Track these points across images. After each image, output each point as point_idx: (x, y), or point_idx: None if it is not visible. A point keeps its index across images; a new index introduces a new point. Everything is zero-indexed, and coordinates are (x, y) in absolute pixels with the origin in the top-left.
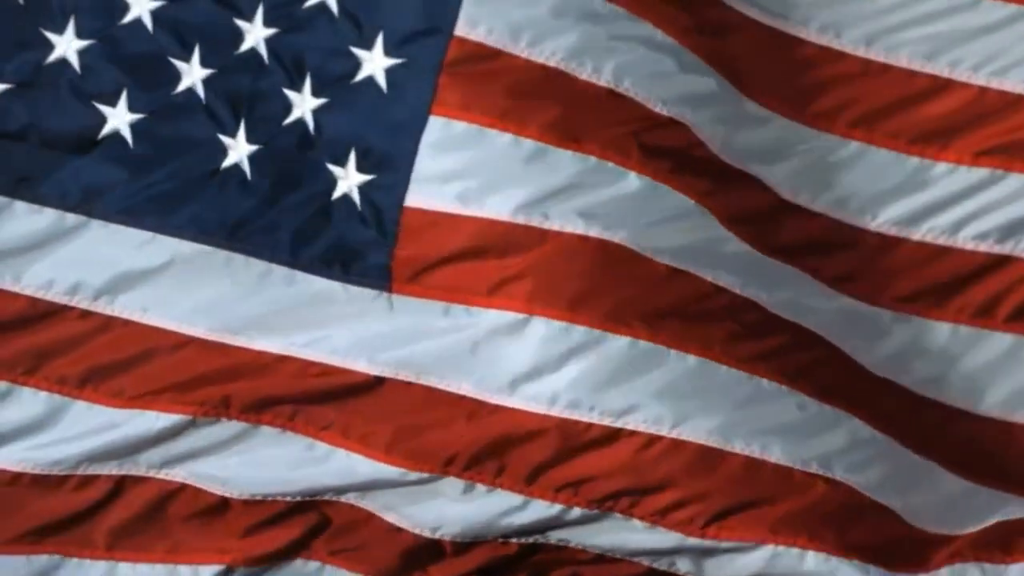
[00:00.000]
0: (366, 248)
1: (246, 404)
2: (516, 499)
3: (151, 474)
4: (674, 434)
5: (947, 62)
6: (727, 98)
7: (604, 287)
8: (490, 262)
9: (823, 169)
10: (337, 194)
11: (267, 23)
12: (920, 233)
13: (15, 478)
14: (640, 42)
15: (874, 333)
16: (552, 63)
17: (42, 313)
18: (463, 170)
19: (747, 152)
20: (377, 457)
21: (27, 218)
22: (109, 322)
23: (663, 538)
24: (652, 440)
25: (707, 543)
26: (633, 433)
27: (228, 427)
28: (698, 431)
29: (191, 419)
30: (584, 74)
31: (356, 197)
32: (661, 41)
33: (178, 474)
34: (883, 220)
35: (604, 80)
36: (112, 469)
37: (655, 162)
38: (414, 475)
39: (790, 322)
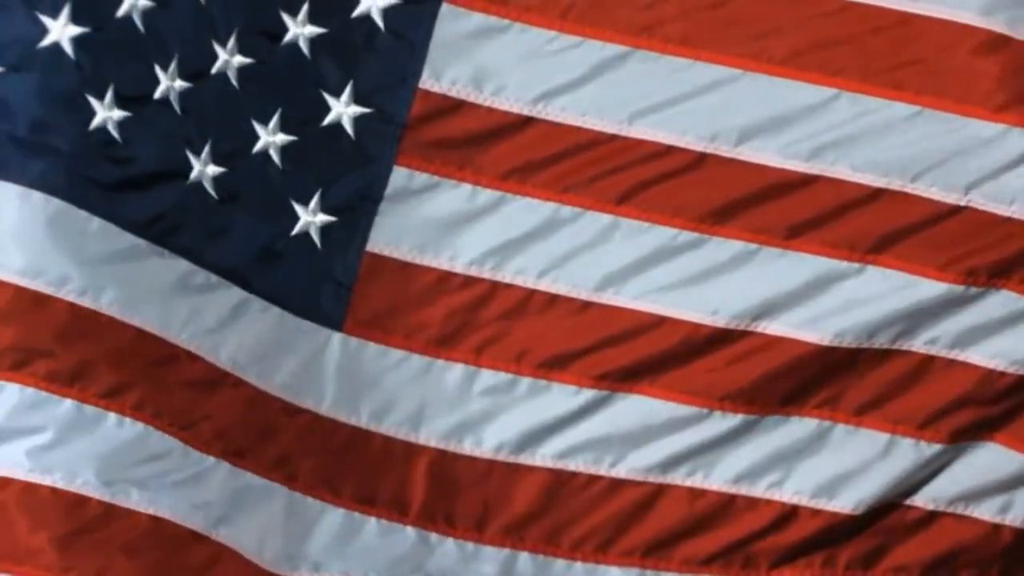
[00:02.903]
0: (323, 287)
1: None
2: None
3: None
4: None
5: None
6: None
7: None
8: (444, 311)
9: None
10: (297, 230)
11: (241, 51)
12: None
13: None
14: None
15: None
16: (525, 112)
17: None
18: (423, 221)
19: None
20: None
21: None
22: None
23: None
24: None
25: None
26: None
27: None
28: None
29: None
30: (553, 117)
31: (316, 237)
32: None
33: None
34: None
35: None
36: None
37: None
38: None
39: None
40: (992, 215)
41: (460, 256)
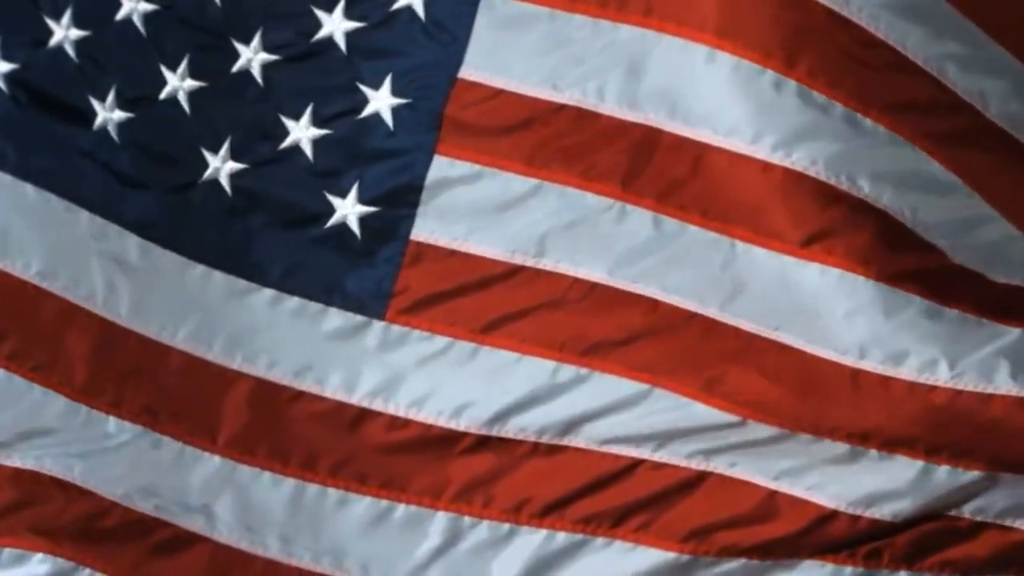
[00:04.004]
0: (364, 277)
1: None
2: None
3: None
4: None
5: None
6: None
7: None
8: (488, 299)
9: None
10: (333, 222)
11: (266, 49)
12: None
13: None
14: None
15: None
16: (558, 99)
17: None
18: (465, 209)
19: None
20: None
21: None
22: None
23: None
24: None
25: None
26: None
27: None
28: None
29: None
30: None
31: (356, 228)
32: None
33: None
34: None
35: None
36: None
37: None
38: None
39: None
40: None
41: (502, 244)
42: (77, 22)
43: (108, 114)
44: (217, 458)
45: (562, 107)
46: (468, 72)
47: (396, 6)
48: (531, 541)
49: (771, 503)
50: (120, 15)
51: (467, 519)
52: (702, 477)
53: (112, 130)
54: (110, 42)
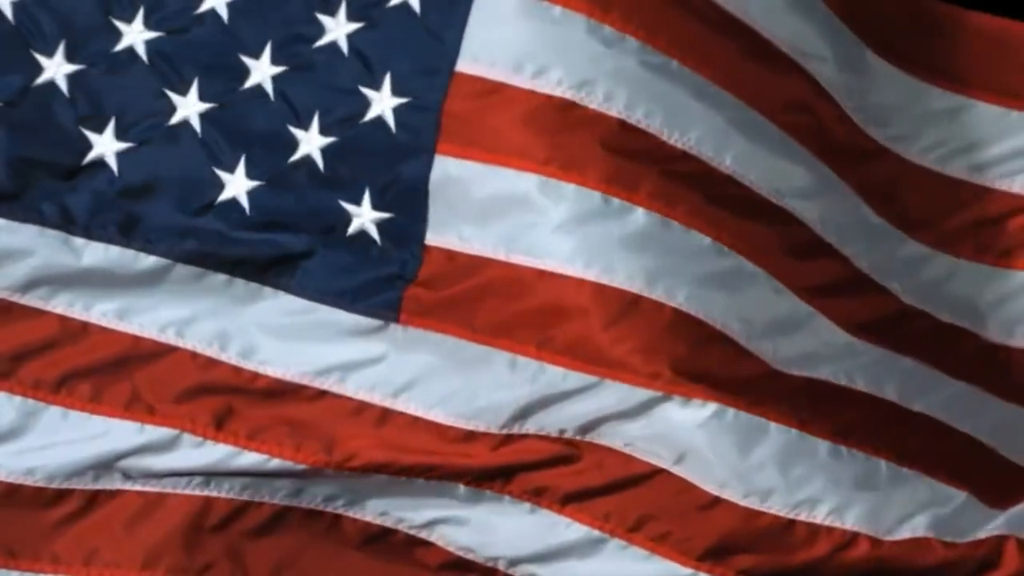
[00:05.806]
0: (382, 282)
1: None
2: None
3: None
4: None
5: None
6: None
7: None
8: (497, 302)
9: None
10: (352, 230)
11: (275, 62)
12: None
13: None
14: (653, 70)
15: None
16: (558, 93)
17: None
18: (472, 209)
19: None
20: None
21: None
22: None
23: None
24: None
25: None
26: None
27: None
28: None
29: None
30: (594, 104)
31: (375, 234)
32: (676, 70)
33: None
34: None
35: (615, 111)
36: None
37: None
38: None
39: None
40: None
41: (506, 245)
42: (70, 57)
43: (107, 145)
44: (221, 445)
45: (570, 104)
46: (465, 66)
47: (393, 3)
48: (550, 524)
49: (791, 531)
50: (120, 46)
51: (488, 492)
52: (716, 501)
53: (111, 160)
54: (108, 73)
